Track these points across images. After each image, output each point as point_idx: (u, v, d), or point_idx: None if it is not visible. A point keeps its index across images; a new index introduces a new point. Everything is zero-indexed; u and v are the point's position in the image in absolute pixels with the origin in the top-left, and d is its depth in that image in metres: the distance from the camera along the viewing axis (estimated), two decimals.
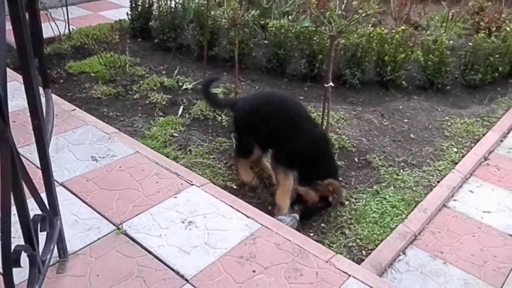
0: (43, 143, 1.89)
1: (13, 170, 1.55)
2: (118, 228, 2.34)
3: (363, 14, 2.97)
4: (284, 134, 2.81)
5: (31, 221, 1.69)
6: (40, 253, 1.79)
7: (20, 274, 1.77)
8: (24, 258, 1.62)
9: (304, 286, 2.08)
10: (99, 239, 2.28)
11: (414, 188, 3.12)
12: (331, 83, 3.27)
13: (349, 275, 2.14)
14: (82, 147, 3.00)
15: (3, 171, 1.51)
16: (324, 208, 2.84)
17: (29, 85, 1.77)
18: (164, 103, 3.94)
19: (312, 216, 2.81)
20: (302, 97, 4.21)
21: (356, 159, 3.39)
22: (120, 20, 5.31)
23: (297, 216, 2.73)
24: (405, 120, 3.97)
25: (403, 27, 4.43)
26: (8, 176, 1.52)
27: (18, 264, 1.59)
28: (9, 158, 1.52)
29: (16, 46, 1.69)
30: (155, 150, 3.17)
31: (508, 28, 4.70)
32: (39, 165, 1.92)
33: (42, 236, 1.85)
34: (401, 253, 2.63)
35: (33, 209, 1.77)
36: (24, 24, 1.68)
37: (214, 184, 2.84)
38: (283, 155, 2.82)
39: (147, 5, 5.12)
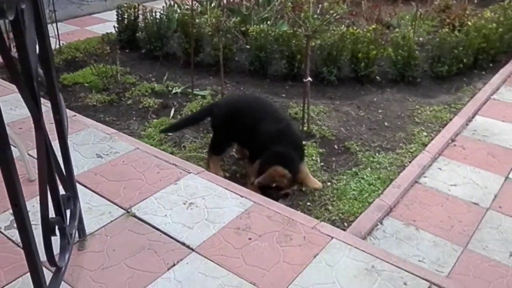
0: (64, 135, 2.25)
1: (47, 153, 1.91)
2: (128, 212, 2.69)
3: (334, 15, 3.40)
4: (251, 133, 3.15)
5: (61, 198, 2.04)
6: (68, 226, 2.13)
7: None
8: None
9: (294, 248, 2.45)
10: (111, 221, 2.63)
11: (388, 168, 3.52)
12: (309, 79, 3.69)
13: (332, 237, 2.52)
14: (86, 146, 3.35)
15: (39, 155, 1.87)
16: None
17: (51, 86, 2.14)
18: (156, 106, 4.30)
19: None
20: (284, 95, 4.61)
21: (336, 146, 3.80)
22: (107, 33, 5.67)
23: None
24: (380, 111, 4.40)
25: (373, 26, 4.87)
26: (43, 158, 1.88)
27: (54, 233, 1.95)
28: (44, 143, 1.88)
29: (39, 52, 2.06)
30: (152, 147, 3.53)
31: (469, 23, 5.19)
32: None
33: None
34: (378, 223, 3.00)
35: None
36: (47, 35, 2.05)
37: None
38: (252, 155, 3.19)
39: (133, 18, 5.50)
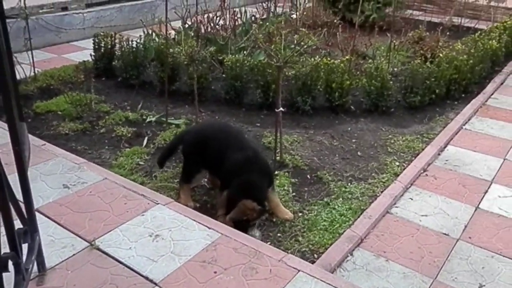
0: (23, 167, 2.20)
1: (2, 189, 1.86)
2: (91, 244, 2.63)
3: (305, 46, 3.45)
4: (219, 161, 3.14)
5: (16, 232, 1.99)
6: (24, 262, 2.07)
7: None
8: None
9: (259, 281, 2.41)
10: (74, 254, 2.56)
11: (360, 198, 3.52)
12: (281, 108, 3.71)
13: (299, 270, 2.49)
14: (53, 176, 3.30)
15: None
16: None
17: (10, 116, 2.10)
18: (129, 135, 4.27)
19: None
20: (259, 124, 4.63)
21: (308, 176, 3.79)
22: (84, 61, 5.66)
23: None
24: (353, 140, 4.43)
25: (347, 57, 4.95)
26: None
27: (6, 269, 1.88)
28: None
29: None
30: (123, 177, 3.48)
31: (441, 55, 5.32)
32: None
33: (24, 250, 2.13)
34: (348, 254, 2.98)
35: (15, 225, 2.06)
36: (7, 63, 2.03)
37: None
38: (223, 185, 3.16)
39: (109, 46, 5.50)
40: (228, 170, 3.07)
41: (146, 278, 2.41)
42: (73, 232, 2.73)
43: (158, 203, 3.03)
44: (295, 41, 3.27)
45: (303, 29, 3.35)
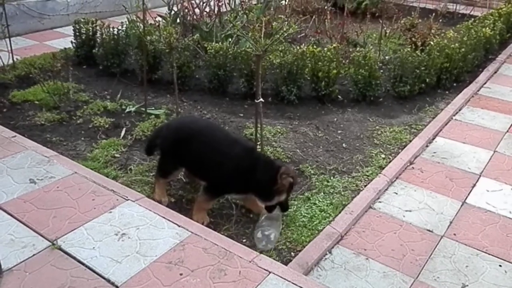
0: None
1: None
2: (53, 244, 2.49)
3: (285, 34, 3.27)
4: (207, 162, 2.95)
5: None
6: None
7: None
8: None
9: (228, 284, 2.28)
10: (34, 255, 2.42)
11: (342, 193, 3.38)
12: (261, 99, 3.54)
13: (270, 272, 2.35)
14: (20, 171, 3.14)
15: None
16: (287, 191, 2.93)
17: None
18: (107, 126, 4.11)
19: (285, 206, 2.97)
20: (242, 115, 4.46)
21: None
22: (65, 48, 5.47)
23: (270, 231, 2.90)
24: (339, 131, 4.27)
25: (334, 45, 4.77)
26: None
27: None
28: None
29: None
30: (95, 170, 3.33)
31: (432, 43, 5.14)
32: None
33: None
34: (327, 252, 2.85)
35: None
36: None
37: (153, 199, 3.03)
38: (211, 186, 2.98)
39: (90, 33, 5.31)
40: (224, 168, 2.86)
41: (108, 280, 2.27)
42: (35, 230, 2.58)
43: (127, 199, 2.88)
44: (272, 28, 3.08)
45: (282, 16, 3.19)
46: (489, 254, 2.89)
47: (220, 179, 2.91)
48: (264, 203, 2.92)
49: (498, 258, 2.85)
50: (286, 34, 3.21)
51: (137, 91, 4.85)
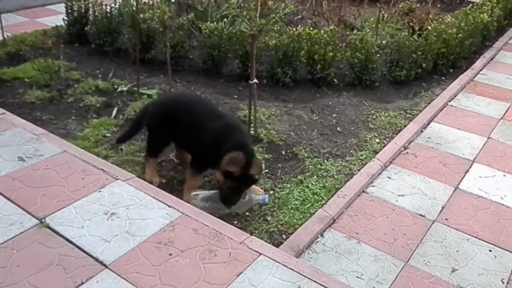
0: None
1: None
2: (41, 222, 2.46)
3: (281, 13, 3.22)
4: (190, 135, 2.95)
5: None
6: None
7: None
8: None
9: (217, 265, 2.26)
10: (21, 233, 2.39)
11: (336, 176, 3.37)
12: (255, 80, 3.50)
13: (260, 253, 2.34)
14: (9, 148, 3.09)
15: None
16: (246, 185, 2.86)
17: None
18: (98, 105, 4.06)
19: (228, 196, 2.81)
20: (236, 96, 4.42)
21: (283, 152, 3.62)
22: (57, 26, 5.37)
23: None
24: (334, 115, 4.24)
25: (331, 27, 4.71)
26: None
27: None
28: None
29: None
30: (85, 150, 3.29)
31: (429, 28, 5.09)
32: None
33: None
34: (319, 236, 2.84)
35: None
36: None
37: (144, 179, 3.00)
38: (194, 160, 2.99)
39: (83, 11, 5.21)
40: (205, 140, 2.85)
41: (96, 259, 2.25)
42: (23, 208, 2.55)
43: (118, 179, 2.85)
44: (268, 8, 3.03)
45: None
46: (480, 239, 2.89)
47: (201, 151, 2.92)
48: (217, 177, 2.84)
49: (489, 243, 2.86)
50: (282, 14, 3.15)
51: (129, 70, 4.78)
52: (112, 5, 5.10)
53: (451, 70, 5.28)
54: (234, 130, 2.94)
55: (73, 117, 3.89)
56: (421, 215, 3.08)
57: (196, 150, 3.00)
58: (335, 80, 4.81)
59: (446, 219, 3.06)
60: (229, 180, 2.74)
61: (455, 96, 4.81)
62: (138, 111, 3.65)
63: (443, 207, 3.17)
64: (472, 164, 3.68)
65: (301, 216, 2.96)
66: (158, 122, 3.10)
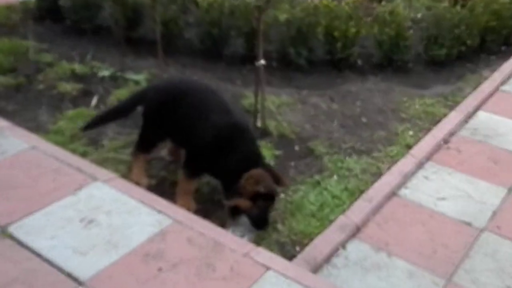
0: None
1: None
2: (3, 232, 2.46)
3: None
4: (189, 129, 2.96)
5: None
6: None
7: None
8: None
9: (216, 282, 2.26)
10: None
11: (360, 176, 3.37)
12: (263, 62, 3.49)
13: (269, 268, 2.33)
14: None
15: None
16: (271, 200, 2.89)
17: None
18: (75, 93, 4.11)
19: (263, 219, 2.86)
20: (240, 82, 4.46)
21: (296, 147, 3.63)
22: None
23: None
24: (357, 103, 4.27)
25: None
26: None
27: None
28: None
29: None
30: (59, 146, 3.30)
31: None
32: None
33: None
34: (340, 247, 2.83)
35: None
36: None
37: (129, 180, 3.01)
38: (188, 159, 2.99)
39: None
40: (205, 137, 2.86)
41: (69, 275, 2.24)
42: None
43: (97, 180, 2.86)
44: None
45: None
46: None
47: (198, 149, 2.94)
48: (225, 198, 2.89)
49: None
50: None
51: (112, 52, 4.81)
52: None
53: (503, 48, 5.33)
54: (242, 134, 2.94)
55: (44, 107, 3.94)
56: (467, 223, 3.07)
57: (192, 147, 3.00)
58: (359, 61, 4.86)
59: (498, 228, 3.05)
60: (258, 202, 2.78)
61: (508, 79, 4.82)
62: (130, 96, 3.63)
63: (494, 213, 3.16)
64: None
65: (319, 224, 2.96)
66: (158, 111, 3.10)
